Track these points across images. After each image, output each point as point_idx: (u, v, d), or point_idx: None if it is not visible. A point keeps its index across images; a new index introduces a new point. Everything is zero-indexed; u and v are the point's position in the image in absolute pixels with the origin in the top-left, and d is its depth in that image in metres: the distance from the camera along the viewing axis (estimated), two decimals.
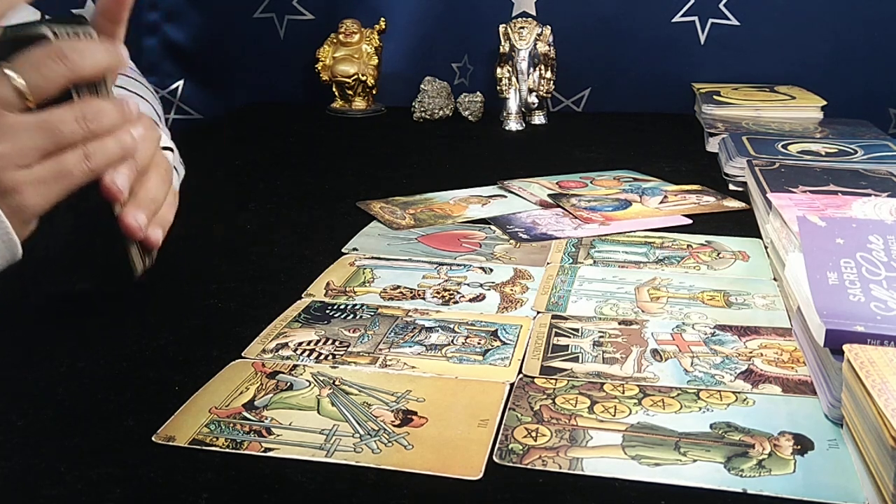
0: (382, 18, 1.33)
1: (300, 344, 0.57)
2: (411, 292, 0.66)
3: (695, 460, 0.44)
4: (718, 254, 0.74)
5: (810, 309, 0.51)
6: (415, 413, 0.49)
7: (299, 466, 0.44)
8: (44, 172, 0.53)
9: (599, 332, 0.59)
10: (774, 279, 0.68)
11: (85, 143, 0.54)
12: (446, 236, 0.79)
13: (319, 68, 1.32)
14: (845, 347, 0.46)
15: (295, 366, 0.55)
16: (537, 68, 1.25)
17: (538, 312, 0.62)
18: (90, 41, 0.56)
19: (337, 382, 0.52)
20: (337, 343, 0.58)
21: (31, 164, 0.53)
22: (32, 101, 0.52)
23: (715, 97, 1.22)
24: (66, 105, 0.54)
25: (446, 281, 0.68)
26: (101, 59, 0.56)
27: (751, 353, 0.56)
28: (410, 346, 0.57)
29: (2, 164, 0.51)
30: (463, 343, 0.58)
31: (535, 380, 0.53)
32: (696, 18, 1.33)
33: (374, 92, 1.34)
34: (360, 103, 1.34)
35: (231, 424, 0.48)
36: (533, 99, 1.25)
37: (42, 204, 0.53)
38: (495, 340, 0.58)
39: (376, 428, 0.47)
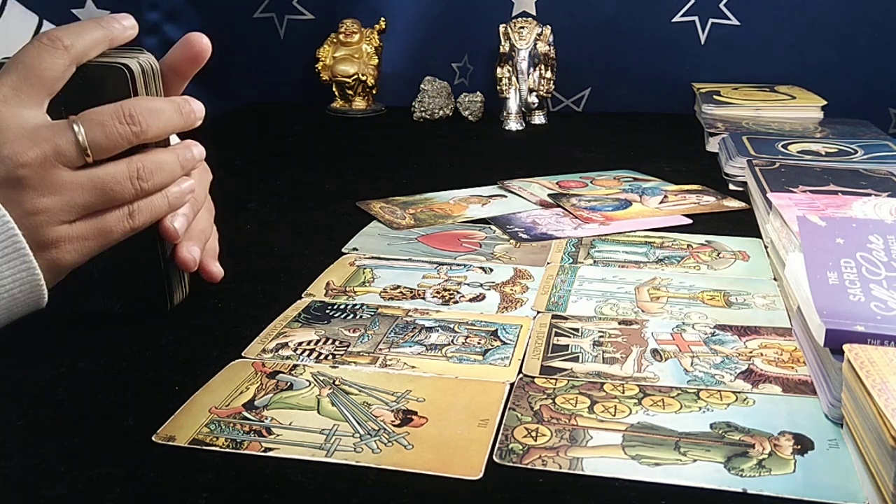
0: (382, 18, 1.33)
1: (300, 344, 0.57)
2: (411, 292, 0.66)
3: (695, 460, 0.44)
4: (718, 254, 0.74)
5: (810, 309, 0.51)
6: (415, 413, 0.49)
7: (299, 466, 0.44)
8: (85, 229, 0.53)
9: (599, 331, 0.59)
10: (774, 279, 0.68)
11: (133, 200, 0.54)
12: (446, 236, 0.79)
13: (319, 68, 1.32)
14: (845, 347, 0.46)
15: (295, 366, 0.55)
16: (537, 68, 1.25)
17: (538, 312, 0.62)
18: (164, 101, 0.55)
19: (337, 382, 0.52)
20: (337, 343, 0.58)
21: (75, 220, 0.52)
22: (92, 158, 0.52)
23: (715, 97, 1.22)
24: (123, 161, 0.53)
25: (446, 281, 0.68)
26: (170, 123, 0.55)
27: (751, 352, 0.56)
28: (410, 346, 0.57)
29: (46, 218, 0.51)
30: (463, 343, 0.58)
31: (535, 380, 0.53)
32: (696, 18, 1.33)
33: (374, 92, 1.34)
34: (360, 103, 1.34)
35: (231, 424, 0.48)
36: (533, 99, 1.25)
37: (78, 260, 0.53)
38: (495, 340, 0.58)
39: (376, 428, 0.47)
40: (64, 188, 0.51)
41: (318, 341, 0.58)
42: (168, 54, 0.59)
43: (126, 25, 0.56)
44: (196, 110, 0.57)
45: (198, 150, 0.59)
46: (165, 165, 0.55)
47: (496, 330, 0.59)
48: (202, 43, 0.58)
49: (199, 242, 0.60)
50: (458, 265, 0.71)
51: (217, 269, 0.63)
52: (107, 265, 0.56)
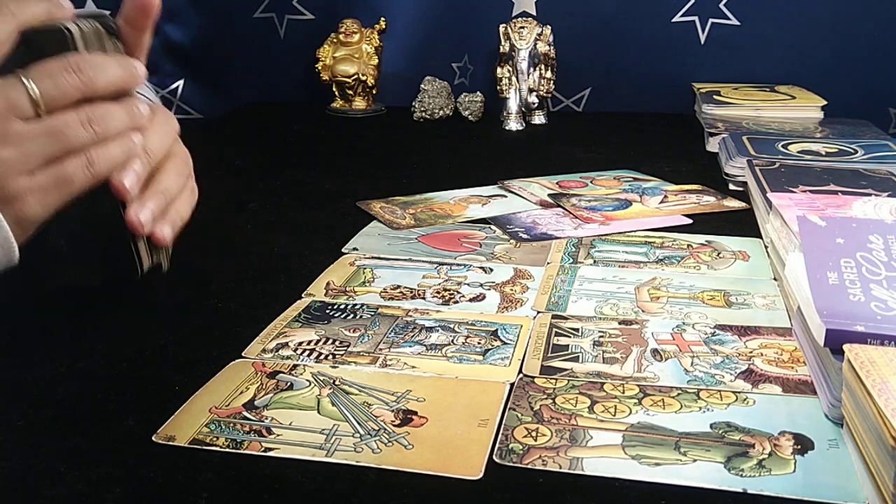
0: (382, 18, 1.33)
1: (300, 344, 0.57)
2: (411, 292, 0.66)
3: (695, 460, 0.44)
4: (718, 253, 0.74)
5: (810, 309, 0.51)
6: (415, 413, 0.49)
7: (299, 466, 0.44)
8: (46, 180, 0.53)
9: (599, 331, 0.59)
10: (774, 279, 0.68)
11: (90, 147, 0.54)
12: (446, 236, 0.79)
13: (319, 68, 1.32)
14: (845, 347, 0.46)
15: (295, 365, 0.55)
16: (537, 68, 1.25)
17: (538, 312, 0.62)
18: (107, 56, 0.56)
19: (337, 382, 0.52)
20: (337, 343, 0.58)
21: (35, 171, 0.52)
22: (44, 110, 0.52)
23: (715, 97, 1.22)
24: (73, 109, 0.54)
25: (446, 281, 0.68)
26: (115, 75, 0.55)
27: (751, 352, 0.56)
28: (410, 346, 0.57)
29: (5, 170, 0.51)
30: (463, 343, 0.58)
31: (536, 379, 0.53)
32: (696, 18, 1.33)
33: (374, 92, 1.34)
34: (360, 103, 1.34)
35: (231, 424, 0.48)
36: (533, 99, 1.25)
37: (42, 213, 0.53)
38: (495, 340, 0.58)
39: (376, 428, 0.47)
40: (19, 138, 0.52)
41: (318, 341, 0.58)
42: (122, 9, 0.59)
43: (65, 6, 0.57)
44: (137, 66, 0.58)
45: (144, 107, 0.58)
46: (116, 114, 0.55)
47: (496, 330, 0.59)
48: None
49: (156, 202, 0.57)
50: (458, 265, 0.71)
51: (160, 233, 0.58)
52: (75, 238, 0.56)
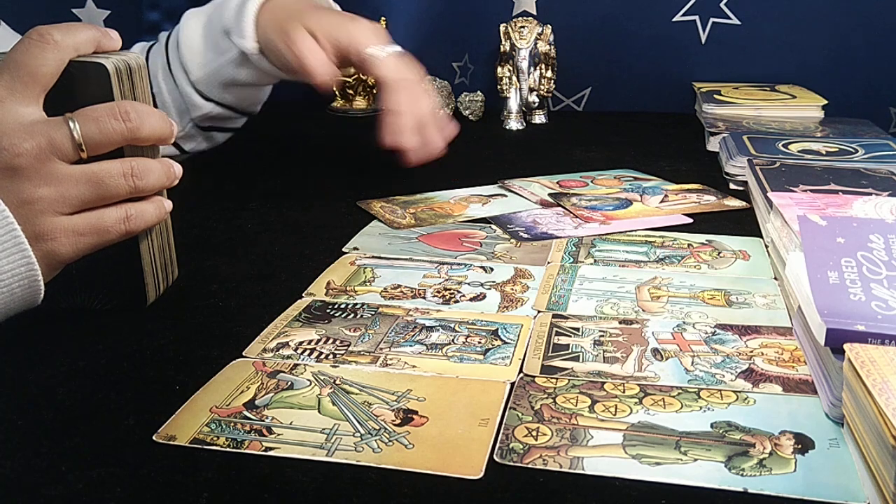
0: (383, 18, 1.33)
1: (301, 343, 0.57)
2: (412, 291, 0.66)
3: (695, 459, 0.44)
4: (719, 253, 0.74)
5: (811, 308, 0.51)
6: (415, 412, 0.49)
7: (300, 466, 0.44)
8: (82, 223, 0.54)
9: (600, 331, 0.59)
10: (775, 278, 0.68)
11: (127, 200, 0.56)
12: (447, 235, 0.79)
13: None
14: (846, 346, 0.46)
15: (295, 365, 0.55)
16: (538, 67, 1.25)
17: (539, 312, 0.62)
18: (151, 108, 0.57)
19: (338, 382, 0.52)
20: (337, 342, 0.58)
21: (71, 212, 0.54)
22: (86, 153, 0.54)
23: (715, 96, 1.22)
24: (118, 160, 0.55)
25: (447, 280, 0.68)
26: (158, 127, 0.57)
27: (751, 352, 0.56)
28: (411, 346, 0.57)
29: (41, 207, 0.52)
30: (463, 342, 0.58)
31: (536, 379, 0.53)
32: (696, 18, 1.33)
33: (374, 91, 1.34)
34: (360, 103, 1.34)
35: (232, 424, 0.48)
36: (533, 98, 1.25)
37: (73, 254, 0.54)
38: (496, 340, 0.58)
39: (377, 427, 0.47)
40: (59, 180, 0.53)
41: (318, 341, 0.58)
42: None
43: (113, 38, 0.59)
44: (172, 123, 0.59)
45: (178, 168, 0.60)
46: (155, 171, 0.57)
47: (497, 329, 0.59)
48: None
49: None
50: (458, 264, 0.71)
51: None
52: (85, 262, 0.57)
